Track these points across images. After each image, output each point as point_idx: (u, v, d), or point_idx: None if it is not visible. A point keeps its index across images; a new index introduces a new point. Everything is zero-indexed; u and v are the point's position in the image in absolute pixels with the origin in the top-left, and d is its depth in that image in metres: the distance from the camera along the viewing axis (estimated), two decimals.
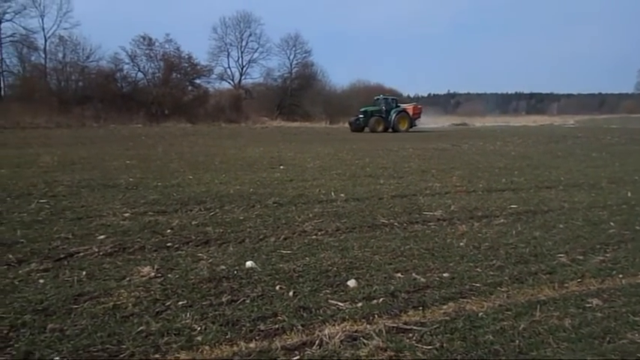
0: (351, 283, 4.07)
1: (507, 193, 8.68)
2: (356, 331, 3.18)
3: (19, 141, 20.43)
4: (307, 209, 6.99)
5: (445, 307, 3.63)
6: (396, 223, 6.22)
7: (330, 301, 3.69)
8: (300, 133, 31.55)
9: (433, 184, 9.44)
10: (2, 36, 44.56)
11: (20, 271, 4.23)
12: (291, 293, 3.82)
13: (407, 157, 15.44)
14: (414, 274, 4.30)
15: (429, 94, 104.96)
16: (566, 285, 4.14)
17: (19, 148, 17.38)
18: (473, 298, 3.81)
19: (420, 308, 3.59)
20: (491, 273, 4.39)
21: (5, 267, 4.35)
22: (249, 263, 4.51)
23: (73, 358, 2.79)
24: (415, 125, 36.59)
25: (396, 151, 17.79)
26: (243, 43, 58.33)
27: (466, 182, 9.79)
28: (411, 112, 36.26)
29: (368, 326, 3.27)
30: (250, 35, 58.26)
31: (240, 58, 58.62)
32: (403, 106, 37.01)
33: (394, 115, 35.08)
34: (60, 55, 46.58)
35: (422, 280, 4.18)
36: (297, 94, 57.41)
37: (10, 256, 4.62)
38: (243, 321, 3.31)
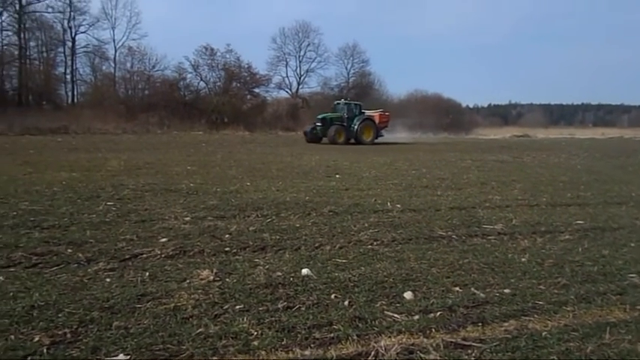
0: (408, 295, 4.01)
1: (573, 208, 8.29)
2: (412, 345, 3.12)
3: (89, 146, 21.55)
4: (363, 219, 6.96)
5: (506, 324, 3.50)
6: (454, 236, 6.08)
7: (385, 312, 3.64)
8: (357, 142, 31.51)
9: (493, 197, 9.17)
10: (77, 47, 47.42)
11: (89, 270, 4.44)
12: (346, 302, 3.80)
13: (465, 168, 15.10)
14: (472, 289, 4.18)
15: (489, 105, 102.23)
16: (638, 307, 3.89)
17: (89, 152, 18.36)
18: (536, 316, 3.65)
19: (480, 324, 3.48)
20: (556, 291, 4.20)
21: (75, 265, 4.58)
22: (304, 271, 4.54)
23: (137, 355, 2.89)
24: (381, 135, 31.58)
25: (453, 162, 17.43)
26: (302, 53, 59.26)
27: (528, 196, 9.44)
28: (377, 121, 31.04)
29: (425, 340, 3.20)
30: (309, 45, 59.13)
31: (298, 68, 59.55)
32: (368, 112, 31.74)
33: (357, 123, 29.91)
34: (128, 64, 49.09)
35: (481, 295, 4.05)
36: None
37: (80, 255, 4.86)
38: (298, 328, 3.32)
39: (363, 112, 30.98)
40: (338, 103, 32.45)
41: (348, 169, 13.91)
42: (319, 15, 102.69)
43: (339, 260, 4.95)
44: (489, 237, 6.10)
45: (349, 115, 30.24)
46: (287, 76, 59.48)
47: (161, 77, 49.18)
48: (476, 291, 4.14)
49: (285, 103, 55.36)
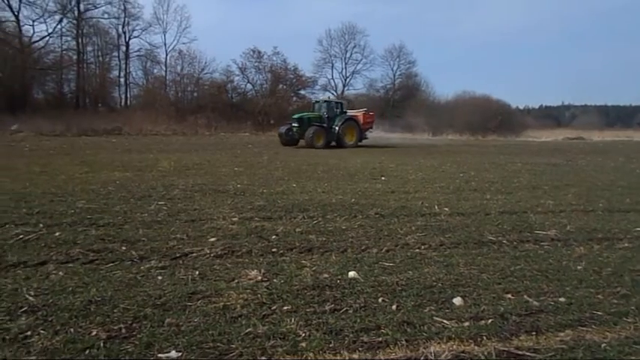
0: (457, 300, 3.92)
1: (633, 214, 7.90)
2: (463, 352, 3.05)
3: (141, 147, 22.27)
4: (410, 222, 6.87)
5: (562, 334, 3.37)
6: (504, 241, 5.91)
7: (434, 317, 3.57)
8: (402, 145, 31.22)
9: (546, 202, 8.86)
10: (130, 51, 49.18)
11: (142, 267, 4.58)
12: (394, 307, 3.76)
13: (516, 171, 14.67)
14: (525, 297, 4.05)
15: (541, 106, 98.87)
16: None
17: (141, 153, 18.98)
18: (594, 327, 3.50)
19: (534, 333, 3.36)
20: (615, 301, 4.01)
21: (129, 262, 4.73)
22: (351, 273, 4.52)
23: (188, 353, 2.95)
24: (366, 137, 28.55)
25: (503, 165, 16.98)
26: (347, 55, 59.35)
27: (583, 201, 9.07)
28: (360, 121, 27.81)
29: (476, 348, 3.12)
30: (354, 47, 59.14)
31: (344, 70, 59.64)
32: (351, 112, 28.61)
33: (339, 123, 26.40)
34: (178, 67, 50.54)
35: (535, 303, 3.91)
36: (400, 105, 57.07)
37: (133, 252, 5.01)
38: (346, 331, 3.30)
39: (345, 112, 27.84)
40: (317, 102, 29.09)
41: (394, 172, 13.78)
42: (365, 16, 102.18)
43: (386, 263, 4.90)
44: (542, 243, 5.89)
45: (329, 114, 26.73)
46: (332, 78, 59.72)
47: (210, 80, 50.45)
48: (529, 299, 4.00)
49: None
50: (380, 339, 3.21)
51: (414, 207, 8.00)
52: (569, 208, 8.23)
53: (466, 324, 3.48)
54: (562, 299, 4.01)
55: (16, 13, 42.71)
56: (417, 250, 5.42)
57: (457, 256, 5.20)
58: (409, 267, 4.80)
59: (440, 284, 4.30)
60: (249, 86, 52.51)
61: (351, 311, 3.66)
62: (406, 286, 4.24)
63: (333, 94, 59.33)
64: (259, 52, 52.08)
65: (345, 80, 59.89)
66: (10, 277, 4.21)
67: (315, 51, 62.14)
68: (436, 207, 8.01)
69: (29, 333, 3.13)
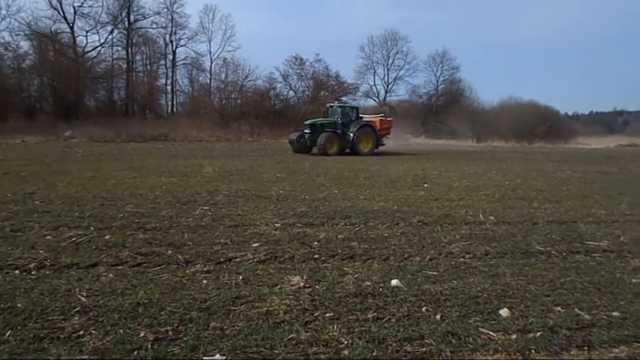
0: (504, 312, 3.82)
1: None
2: None
3: (186, 152, 22.81)
4: (454, 230, 6.75)
5: (616, 350, 3.23)
6: (553, 252, 5.72)
7: (480, 329, 3.49)
8: (445, 152, 30.76)
9: (597, 211, 8.53)
10: (177, 60, 50.56)
11: (187, 271, 4.68)
12: (438, 317, 3.69)
13: (564, 179, 14.21)
14: (576, 310, 3.90)
15: (591, 112, 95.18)
16: None
17: (186, 159, 19.43)
18: None
19: (585, 348, 3.24)
20: None
21: (175, 266, 4.84)
22: (394, 281, 4.47)
23: (232, 356, 2.99)
24: (383, 144, 26.48)
25: (551, 172, 16.48)
26: (390, 61, 58.94)
27: (638, 211, 8.68)
28: (377, 127, 25.99)
29: None
30: (397, 53, 58.69)
31: (386, 76, 59.27)
32: (366, 118, 26.91)
33: (354, 129, 24.64)
34: (223, 75, 51.50)
35: (586, 317, 3.77)
36: (443, 111, 56.29)
37: (179, 256, 5.13)
38: (389, 340, 3.27)
39: (361, 117, 26.14)
40: (331, 106, 27.03)
41: (437, 179, 13.59)
42: (408, 22, 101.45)
43: (430, 272, 4.83)
44: (594, 254, 5.67)
45: (344, 120, 25.03)
46: (374, 85, 59.44)
47: (253, 87, 51.15)
48: (580, 312, 3.86)
49: (372, 111, 55.27)
50: (424, 349, 3.16)
51: (458, 215, 7.86)
52: (623, 219, 7.90)
53: (513, 336, 3.38)
54: (616, 313, 3.85)
55: (71, 25, 44.68)
56: (462, 259, 5.32)
57: (503, 266, 5.07)
58: (453, 276, 4.72)
59: (485, 295, 4.20)
60: (291, 93, 53.01)
61: (394, 320, 3.62)
62: (450, 295, 4.17)
63: (375, 100, 59.18)
64: (301, 59, 52.53)
65: (388, 87, 59.54)
66: (64, 277, 4.39)
67: (357, 57, 61.95)
68: (481, 215, 7.84)
69: (82, 332, 3.25)
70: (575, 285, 4.53)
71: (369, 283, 4.43)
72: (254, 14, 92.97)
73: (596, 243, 6.19)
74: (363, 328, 3.45)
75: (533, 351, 3.17)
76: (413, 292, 4.22)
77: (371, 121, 26.24)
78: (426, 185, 11.93)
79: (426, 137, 49.27)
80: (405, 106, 58.25)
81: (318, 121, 25.47)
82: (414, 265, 5.09)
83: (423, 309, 3.85)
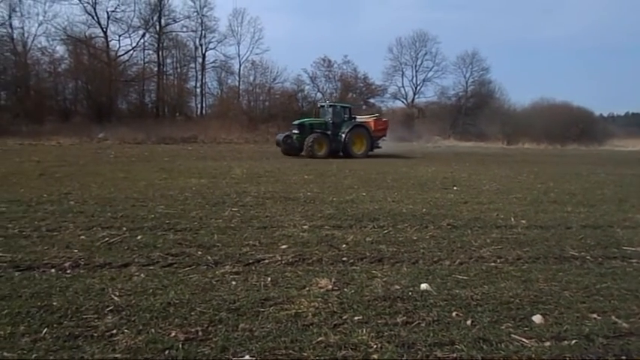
0: (537, 318, 3.73)
1: None
2: None
3: (215, 154, 23.08)
4: (484, 234, 6.64)
5: None
6: (588, 257, 5.57)
7: (512, 335, 3.42)
8: (475, 154, 30.35)
9: (634, 216, 8.27)
10: (206, 62, 51.26)
11: (217, 272, 4.72)
12: (469, 322, 3.63)
13: (599, 182, 13.83)
14: (613, 317, 3.78)
15: (627, 113, 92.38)
16: None
17: (215, 160, 19.67)
18: None
19: (623, 358, 3.13)
20: None
21: (205, 267, 4.89)
22: (423, 285, 4.42)
23: (261, 358, 3.00)
24: (378, 147, 25.03)
25: (585, 175, 16.08)
26: (418, 63, 58.55)
27: None
28: (372, 128, 24.58)
29: None
30: (426, 54, 58.28)
31: (415, 77, 58.88)
32: (360, 118, 25.65)
33: (346, 130, 23.35)
34: (251, 78, 51.98)
35: (624, 325, 3.65)
36: (472, 112, 55.59)
37: (209, 257, 5.18)
38: (419, 344, 3.23)
39: (354, 118, 24.90)
40: (322, 106, 25.82)
41: (467, 181, 13.41)
42: (437, 23, 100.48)
43: (460, 277, 4.75)
44: (631, 260, 5.50)
45: (335, 120, 23.73)
46: (403, 86, 59.10)
47: (281, 89, 51.49)
48: (617, 320, 3.74)
49: (400, 113, 55.03)
50: (454, 355, 3.12)
51: (489, 218, 7.73)
52: None
53: (547, 344, 3.30)
54: None
55: (104, 30, 45.78)
56: (493, 264, 5.22)
57: (536, 272, 4.96)
58: (484, 281, 4.63)
59: (518, 300, 4.11)
60: (319, 95, 53.13)
61: (423, 325, 3.57)
62: (481, 300, 4.09)
63: (403, 102, 58.86)
64: (329, 61, 52.69)
65: (416, 88, 59.11)
66: (97, 277, 4.48)
67: (385, 59, 61.90)
68: (512, 219, 7.70)
69: (114, 331, 3.31)
70: (612, 292, 4.40)
71: (398, 287, 4.39)
72: (282, 17, 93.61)
73: (634, 248, 6.00)
74: (393, 332, 3.41)
75: (567, 359, 3.08)
76: (443, 297, 4.16)
77: (365, 122, 25.10)
78: (455, 188, 11.78)
79: (455, 139, 48.73)
80: (434, 108, 57.78)
81: (307, 121, 24.23)
82: (443, 269, 5.02)
83: (454, 314, 3.80)
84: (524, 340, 3.35)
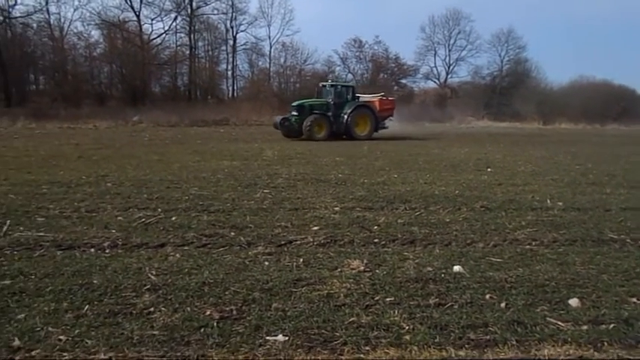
0: (573, 302, 3.65)
1: None
2: (581, 357, 2.85)
3: (247, 136, 23.26)
4: (519, 216, 6.52)
5: None
6: (628, 240, 5.41)
7: (548, 318, 3.36)
8: (510, 134, 29.70)
9: None
10: (237, 45, 51.42)
11: (249, 253, 4.79)
12: (502, 304, 3.59)
13: None
14: None
15: None
16: None
17: (247, 142, 19.83)
18: None
19: None
20: None
21: (238, 247, 4.96)
22: (456, 267, 4.38)
23: (294, 337, 3.04)
24: (385, 127, 23.72)
25: (625, 156, 15.55)
26: (452, 42, 57.35)
27: None
28: (376, 108, 23.26)
29: (596, 354, 2.90)
30: (459, 33, 57.00)
31: (448, 57, 57.74)
32: (364, 98, 24.23)
33: (348, 111, 22.15)
34: (282, 59, 51.97)
35: None
36: (507, 92, 54.21)
37: (242, 238, 5.26)
38: (451, 326, 3.22)
39: (357, 97, 23.55)
40: (323, 85, 24.19)
41: (501, 163, 13.16)
42: (471, 0, 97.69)
43: (494, 259, 4.69)
44: None
45: (337, 100, 22.47)
46: (435, 66, 58.07)
47: (311, 71, 51.41)
48: None
49: (432, 93, 54.28)
50: (488, 337, 3.09)
51: (524, 200, 7.58)
52: None
53: (584, 327, 3.23)
54: None
55: (137, 14, 46.36)
56: (528, 247, 5.13)
57: (573, 255, 4.85)
58: (519, 264, 4.56)
59: (553, 283, 4.04)
60: (349, 76, 52.76)
61: (456, 307, 3.55)
62: (516, 283, 4.04)
63: (435, 82, 57.89)
64: (360, 42, 52.23)
65: (449, 68, 57.98)
66: (134, 256, 4.61)
67: (418, 39, 60.90)
68: (548, 201, 7.53)
69: (152, 309, 3.41)
70: None
71: (430, 269, 4.37)
72: None
73: None
74: (425, 314, 3.41)
75: (605, 343, 3.02)
76: (476, 279, 4.12)
77: (369, 102, 23.72)
78: (489, 169, 11.57)
79: (489, 120, 47.74)
80: (467, 88, 56.64)
81: (307, 102, 23.04)
82: (477, 251, 4.97)
83: (487, 296, 3.76)
84: (560, 323, 3.29)
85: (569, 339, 3.06)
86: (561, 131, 35.97)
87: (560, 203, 7.37)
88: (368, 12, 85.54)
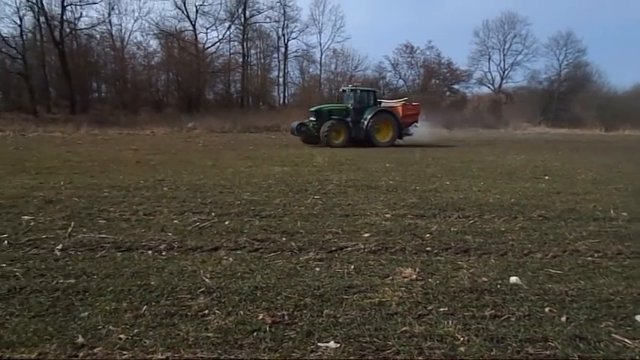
0: None
1: None
2: None
3: (297, 143, 23.44)
4: (579, 226, 6.24)
5: None
6: None
7: (613, 335, 3.19)
8: (568, 141, 28.56)
9: None
10: (288, 52, 52.14)
11: (301, 258, 4.81)
12: (563, 319, 3.43)
13: None
14: None
15: None
16: None
17: (297, 148, 20.02)
18: None
19: None
20: None
21: (289, 253, 4.99)
22: (513, 279, 4.24)
23: (346, 344, 3.02)
24: (409, 134, 22.71)
25: None
26: (507, 46, 56.04)
27: None
28: (399, 114, 22.21)
29: None
30: (515, 37, 55.65)
31: (502, 62, 56.40)
32: (386, 103, 23.37)
33: (368, 116, 21.38)
34: (332, 66, 52.31)
35: None
36: (566, 97, 52.32)
37: (293, 243, 5.29)
38: (509, 339, 3.10)
39: (379, 102, 22.76)
40: (344, 90, 23.77)
41: (559, 170, 12.66)
42: (527, 3, 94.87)
43: (553, 270, 4.51)
44: None
45: (357, 105, 21.78)
46: (489, 71, 56.84)
47: (362, 77, 51.40)
48: None
49: (486, 99, 53.07)
50: (548, 352, 2.96)
51: (585, 210, 7.26)
52: None
53: None
54: None
55: (193, 23, 47.98)
56: (590, 258, 4.90)
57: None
58: (580, 276, 4.36)
59: (619, 298, 3.83)
60: (400, 82, 52.44)
61: (513, 319, 3.43)
62: (577, 297, 3.86)
63: (489, 87, 56.57)
64: (412, 47, 51.89)
65: (504, 72, 56.58)
66: (189, 259, 4.72)
67: (471, 43, 59.88)
68: (612, 211, 7.17)
69: (207, 312, 3.47)
70: None
71: (485, 279, 4.25)
72: (364, 3, 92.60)
73: None
74: (480, 326, 3.31)
75: None
76: (534, 291, 3.97)
77: (392, 107, 22.72)
78: (546, 177, 11.16)
79: (546, 126, 46.12)
80: (523, 93, 55.04)
81: (325, 107, 22.57)
82: (534, 262, 4.78)
83: (546, 309, 3.61)
84: (626, 340, 3.11)
85: (637, 357, 2.90)
86: (625, 138, 34.28)
87: (625, 214, 7.00)
88: (420, 17, 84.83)
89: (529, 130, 42.43)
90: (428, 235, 5.75)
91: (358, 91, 22.56)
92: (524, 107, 51.01)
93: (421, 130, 23.54)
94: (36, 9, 42.04)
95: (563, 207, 7.46)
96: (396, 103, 23.36)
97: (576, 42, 54.25)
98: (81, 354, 2.89)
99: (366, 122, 21.39)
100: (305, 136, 22.19)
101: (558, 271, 4.48)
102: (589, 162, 15.15)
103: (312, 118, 21.90)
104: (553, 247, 5.25)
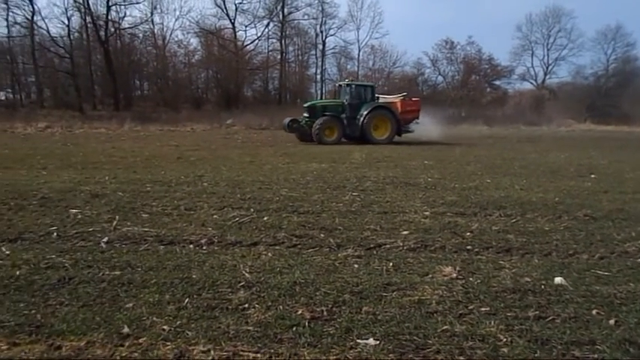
0: None
1: None
2: None
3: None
4: (629, 227, 6.00)
5: None
6: None
7: None
8: (616, 138, 27.53)
9: None
10: (326, 49, 52.15)
11: (339, 255, 4.80)
12: (611, 322, 3.31)
13: None
14: None
15: None
16: None
17: (334, 145, 19.96)
18: None
19: None
20: None
21: (327, 249, 5.00)
22: (558, 279, 4.11)
23: (385, 342, 3.00)
24: (410, 131, 21.62)
25: None
26: (551, 40, 54.42)
27: None
28: (398, 110, 21.16)
29: None
30: (559, 31, 53.97)
31: (546, 57, 54.83)
32: (385, 98, 22.40)
33: (364, 112, 20.42)
34: (370, 62, 52.01)
35: None
36: (614, 93, 50.34)
37: (331, 240, 5.29)
38: (554, 341, 3.02)
39: (377, 98, 21.75)
40: (340, 85, 22.73)
41: (607, 169, 12.22)
42: None
43: (600, 272, 4.35)
44: None
45: (353, 101, 20.85)
46: (532, 66, 55.34)
47: (400, 73, 51.02)
48: None
49: (528, 95, 51.74)
50: (595, 356, 2.87)
51: (634, 210, 6.98)
52: None
53: None
54: None
55: (232, 21, 48.59)
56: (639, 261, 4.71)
57: None
58: (630, 278, 4.19)
59: None
60: (439, 78, 51.72)
61: (558, 321, 3.33)
62: (626, 299, 3.71)
63: (532, 83, 55.10)
64: (452, 43, 51.04)
65: (547, 68, 54.98)
66: (229, 254, 4.79)
67: (513, 38, 58.62)
68: None
69: (246, 306, 3.52)
70: None
71: (528, 279, 4.14)
72: None
73: None
74: (524, 327, 3.22)
75: None
76: (580, 293, 3.84)
77: (390, 103, 21.69)
78: (592, 176, 10.79)
79: (592, 123, 44.57)
80: (567, 89, 53.32)
81: (319, 102, 21.95)
82: (580, 263, 4.63)
83: (593, 312, 3.49)
84: None
85: None
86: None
87: None
88: (460, 12, 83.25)
89: (574, 127, 41.14)
90: (468, 233, 5.65)
91: (354, 86, 21.75)
92: (569, 103, 49.41)
93: (426, 126, 22.94)
94: (83, 9, 43.59)
95: (611, 206, 7.19)
96: (394, 99, 22.48)
97: (626, 35, 52.23)
98: (127, 343, 2.97)
99: (361, 119, 20.55)
100: (299, 133, 21.54)
101: (606, 273, 4.33)
102: (638, 160, 14.56)
103: (306, 115, 21.27)
104: (600, 248, 5.07)
